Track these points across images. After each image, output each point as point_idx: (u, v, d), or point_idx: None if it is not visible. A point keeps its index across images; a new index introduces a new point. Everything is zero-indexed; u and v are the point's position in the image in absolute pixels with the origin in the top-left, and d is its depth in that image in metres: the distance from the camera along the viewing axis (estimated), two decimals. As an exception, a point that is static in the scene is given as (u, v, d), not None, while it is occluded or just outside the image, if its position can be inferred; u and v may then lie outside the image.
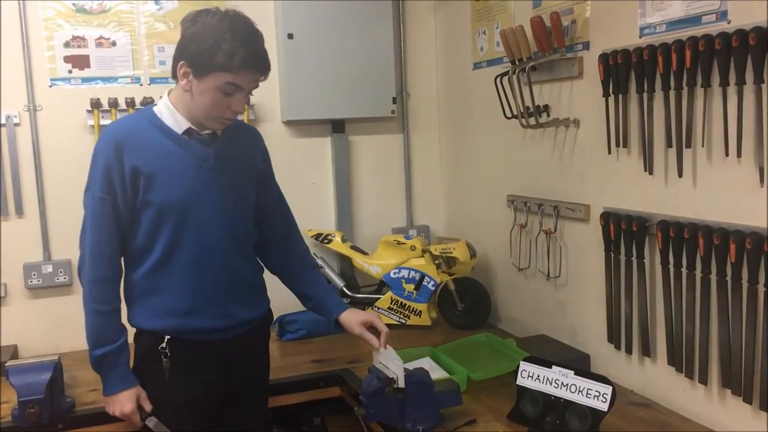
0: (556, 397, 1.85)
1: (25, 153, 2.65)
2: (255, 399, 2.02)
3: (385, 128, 3.21)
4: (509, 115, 2.48)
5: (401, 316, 2.84)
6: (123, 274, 1.86)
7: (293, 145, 3.04)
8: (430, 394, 1.90)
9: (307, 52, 2.95)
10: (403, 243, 2.88)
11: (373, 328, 1.97)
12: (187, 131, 1.81)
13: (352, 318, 1.98)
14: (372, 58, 3.07)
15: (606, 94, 2.10)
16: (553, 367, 1.88)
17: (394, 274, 2.85)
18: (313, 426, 2.64)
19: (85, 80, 2.72)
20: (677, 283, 1.92)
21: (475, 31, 2.89)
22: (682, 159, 1.89)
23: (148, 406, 1.81)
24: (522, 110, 2.38)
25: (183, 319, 1.82)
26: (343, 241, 2.97)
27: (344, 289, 2.93)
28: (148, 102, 2.72)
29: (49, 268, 2.69)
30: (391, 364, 1.90)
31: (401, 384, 1.86)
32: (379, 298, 2.87)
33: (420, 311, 2.83)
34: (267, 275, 2.05)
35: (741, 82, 1.68)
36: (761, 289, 1.69)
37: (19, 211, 2.66)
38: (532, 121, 2.39)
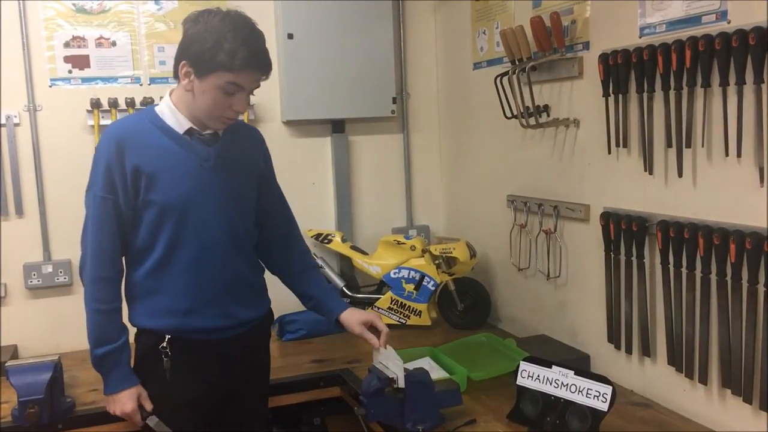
0: (556, 397, 1.85)
1: (25, 153, 2.65)
2: (255, 399, 2.03)
3: (385, 128, 3.21)
4: (509, 115, 2.48)
5: (401, 316, 2.84)
6: (124, 274, 1.86)
7: (293, 145, 3.04)
8: (430, 394, 1.90)
9: (307, 52, 2.95)
10: (403, 243, 2.88)
11: (373, 328, 1.97)
12: (189, 131, 1.81)
13: (352, 317, 1.98)
14: (372, 58, 3.07)
15: (606, 94, 2.10)
16: (553, 367, 1.88)
17: (394, 274, 2.85)
18: (313, 426, 2.64)
19: (85, 80, 2.72)
20: (677, 283, 1.92)
21: (475, 31, 2.89)
22: (682, 159, 1.89)
23: (148, 406, 1.81)
24: (522, 110, 2.38)
25: (183, 319, 1.82)
26: (343, 241, 2.97)
27: (344, 289, 2.93)
28: (148, 102, 2.72)
29: (49, 268, 2.69)
30: (391, 364, 1.90)
31: (401, 384, 1.86)
32: (379, 298, 2.87)
33: (420, 311, 2.83)
34: (267, 275, 2.05)
35: (741, 82, 1.68)
36: (761, 289, 1.69)
37: (19, 211, 2.66)
38: (532, 121, 2.39)
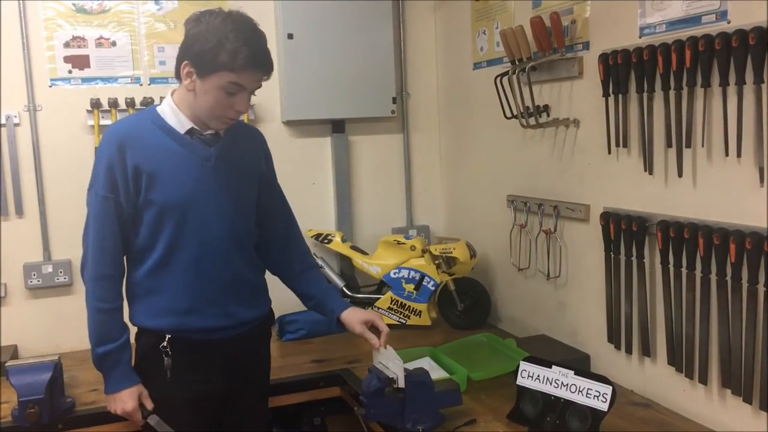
0: (556, 397, 1.85)
1: (25, 153, 2.66)
2: (255, 399, 2.03)
3: (385, 128, 3.21)
4: (509, 115, 2.48)
5: (401, 316, 2.84)
6: (125, 273, 1.87)
7: (293, 145, 3.04)
8: (430, 394, 1.90)
9: (307, 52, 2.95)
10: (403, 243, 2.88)
11: (374, 328, 1.97)
12: (190, 131, 1.82)
13: (353, 317, 1.98)
14: (372, 58, 3.07)
15: (606, 94, 2.10)
16: (553, 367, 1.88)
17: (394, 274, 2.85)
18: (313, 426, 2.64)
19: (85, 80, 2.72)
20: (677, 283, 1.92)
21: (475, 31, 2.89)
22: (682, 159, 1.89)
23: (149, 405, 1.81)
24: (522, 110, 2.38)
25: (183, 318, 1.83)
26: (343, 241, 2.97)
27: (344, 289, 2.93)
28: (148, 102, 2.73)
29: (49, 268, 2.69)
30: (391, 364, 1.90)
31: (401, 384, 1.86)
32: (379, 298, 2.87)
33: (420, 311, 2.83)
34: (268, 275, 2.05)
35: (741, 82, 1.68)
36: (761, 289, 1.69)
37: (19, 211, 2.66)
38: (532, 121, 2.39)
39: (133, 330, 1.87)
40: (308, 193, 3.06)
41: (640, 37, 1.99)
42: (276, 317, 2.16)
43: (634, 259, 2.06)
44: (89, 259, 1.80)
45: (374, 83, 3.08)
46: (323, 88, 2.99)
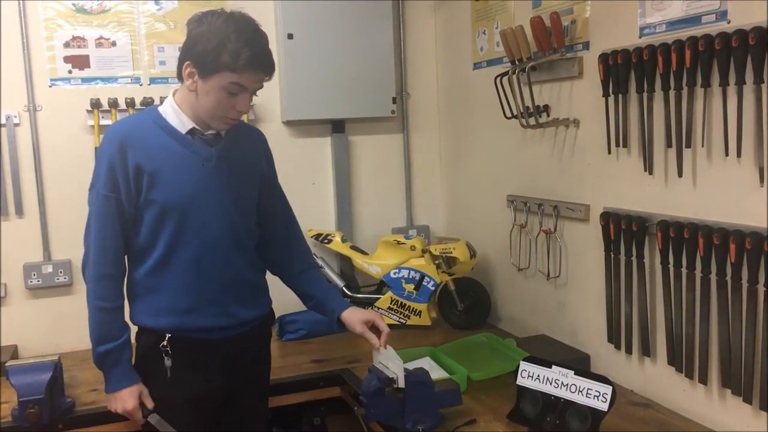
0: (556, 397, 1.85)
1: (25, 153, 2.65)
2: (255, 398, 2.03)
3: (385, 128, 3.21)
4: (509, 115, 2.48)
5: (401, 316, 2.84)
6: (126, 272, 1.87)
7: (293, 145, 3.04)
8: (430, 394, 1.90)
9: (307, 52, 2.95)
10: (403, 243, 2.88)
11: (374, 328, 1.97)
12: (191, 131, 1.82)
13: (354, 316, 1.99)
14: (372, 58, 3.07)
15: (606, 94, 2.10)
16: (553, 367, 1.88)
17: (394, 274, 2.85)
18: (313, 426, 2.64)
19: (85, 80, 2.72)
20: (677, 283, 1.92)
21: (475, 31, 2.89)
22: (682, 159, 1.89)
23: (150, 403, 1.82)
24: (522, 110, 2.38)
25: (184, 318, 1.83)
26: (343, 241, 2.97)
27: (344, 289, 2.93)
28: (148, 102, 2.73)
29: (49, 268, 2.69)
30: (391, 364, 1.90)
31: (401, 384, 1.86)
32: (379, 298, 2.87)
33: (420, 311, 2.83)
34: (268, 275, 2.05)
35: (741, 82, 1.68)
36: (761, 289, 1.69)
37: (19, 211, 2.66)
38: (532, 121, 2.39)
39: (133, 329, 1.88)
40: (308, 193, 3.06)
41: (640, 37, 1.99)
42: (276, 317, 2.16)
43: (634, 259, 2.06)
44: (90, 258, 1.80)
45: (374, 83, 3.08)
46: (323, 88, 2.99)
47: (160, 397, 1.83)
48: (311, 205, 3.04)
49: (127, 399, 1.79)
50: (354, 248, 2.96)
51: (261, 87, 1.79)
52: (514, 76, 2.37)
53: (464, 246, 2.80)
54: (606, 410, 1.75)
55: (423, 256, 2.85)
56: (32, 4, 2.63)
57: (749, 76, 1.67)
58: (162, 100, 2.69)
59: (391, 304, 2.84)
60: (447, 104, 3.21)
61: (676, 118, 1.88)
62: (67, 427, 2.05)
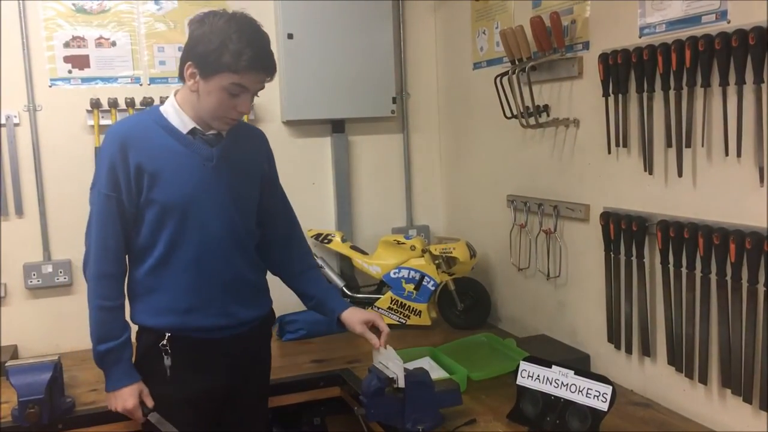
0: (556, 396, 1.85)
1: (25, 153, 2.65)
2: (255, 399, 2.03)
3: (385, 128, 3.21)
4: (509, 115, 2.48)
5: (401, 316, 2.84)
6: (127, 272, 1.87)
7: (293, 145, 3.04)
8: (430, 394, 1.90)
9: (307, 52, 2.95)
10: (403, 243, 2.88)
11: (374, 328, 1.97)
12: (192, 131, 1.82)
13: (354, 317, 1.99)
14: (372, 58, 3.07)
15: (606, 94, 2.10)
16: (553, 366, 1.88)
17: (394, 274, 2.85)
18: (313, 426, 2.64)
19: (84, 80, 2.72)
20: (677, 282, 1.92)
21: (475, 31, 2.89)
22: (681, 159, 1.89)
23: (150, 402, 1.82)
24: (522, 110, 2.38)
25: (184, 317, 1.83)
26: (343, 241, 2.97)
27: (344, 289, 2.93)
28: (148, 102, 2.73)
29: (49, 268, 2.69)
30: (391, 364, 1.90)
31: (401, 384, 1.86)
32: (379, 298, 2.87)
33: (420, 311, 2.83)
34: (268, 275, 2.05)
35: (741, 82, 1.68)
36: (761, 288, 1.69)
37: (19, 211, 2.66)
38: (531, 121, 2.39)
39: (134, 329, 1.88)
40: (308, 193, 3.06)
41: (640, 37, 1.99)
42: (276, 317, 2.16)
43: (634, 259, 2.06)
44: (91, 257, 1.81)
45: (374, 83, 3.08)
46: (323, 88, 2.99)
47: (160, 396, 1.83)
48: (311, 205, 3.04)
49: (127, 398, 1.79)
50: (354, 248, 2.96)
51: (262, 88, 1.80)
52: (514, 76, 2.37)
53: (464, 246, 2.80)
54: (606, 410, 1.75)
55: (423, 256, 2.85)
56: (32, 4, 2.63)
57: (749, 75, 1.67)
58: (162, 100, 2.71)
59: (391, 304, 2.84)
60: (447, 104, 3.21)
61: (676, 118, 1.88)
62: (67, 427, 2.05)
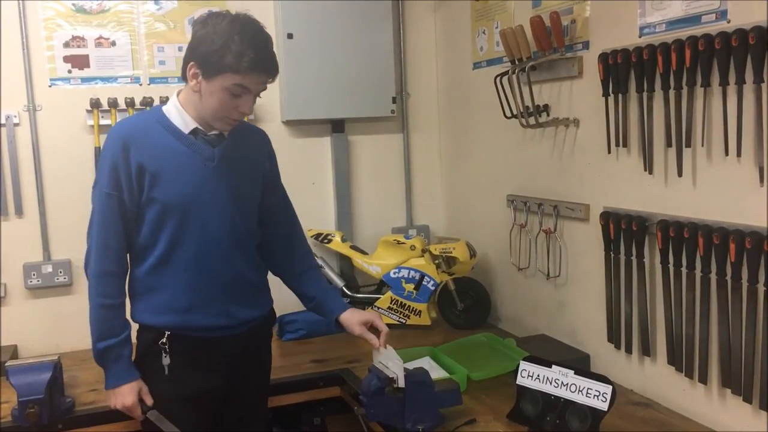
0: (556, 396, 1.85)
1: (25, 153, 2.65)
2: (255, 398, 2.03)
3: (385, 128, 3.21)
4: (509, 114, 2.48)
5: (401, 315, 2.84)
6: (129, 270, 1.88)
7: (293, 145, 3.04)
8: (430, 393, 1.90)
9: (307, 52, 2.95)
10: (403, 243, 2.88)
11: (373, 328, 1.97)
12: (194, 131, 1.83)
13: (352, 318, 1.99)
14: (372, 58, 3.07)
15: (606, 94, 2.10)
16: (553, 366, 1.88)
17: (394, 273, 2.85)
18: (313, 426, 2.64)
19: (84, 80, 2.72)
20: (677, 282, 1.92)
21: (475, 30, 2.89)
22: (681, 158, 1.89)
23: (149, 400, 1.82)
24: (522, 110, 2.38)
25: (183, 316, 1.83)
26: (343, 240, 2.97)
27: (344, 288, 2.93)
28: (148, 102, 2.73)
29: (49, 268, 2.68)
30: (391, 363, 1.90)
31: (401, 384, 1.86)
32: (379, 297, 2.87)
33: (420, 311, 2.83)
34: (268, 275, 2.05)
35: (741, 81, 1.68)
36: (761, 288, 1.69)
37: (19, 211, 2.66)
38: (531, 120, 2.39)
39: (134, 327, 1.88)
40: (308, 193, 3.06)
41: (639, 37, 1.99)
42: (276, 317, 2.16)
43: (634, 258, 2.06)
44: (92, 255, 1.81)
45: (374, 83, 3.08)
46: (323, 88, 2.99)
47: (160, 395, 1.83)
48: (311, 205, 3.04)
49: (126, 395, 1.80)
50: (354, 248, 2.96)
51: (264, 89, 1.81)
52: (514, 76, 2.37)
53: (464, 246, 2.80)
54: (606, 410, 1.75)
55: (423, 256, 2.85)
56: (32, 4, 2.63)
57: (749, 75, 1.67)
58: (162, 99, 2.71)
59: (391, 303, 2.84)
60: (447, 104, 3.21)
61: (675, 118, 1.88)
62: (66, 427, 2.06)
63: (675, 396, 1.99)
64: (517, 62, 2.40)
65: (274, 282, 2.07)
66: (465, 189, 3.11)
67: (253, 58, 1.69)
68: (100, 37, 2.72)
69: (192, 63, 1.75)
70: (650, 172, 2.00)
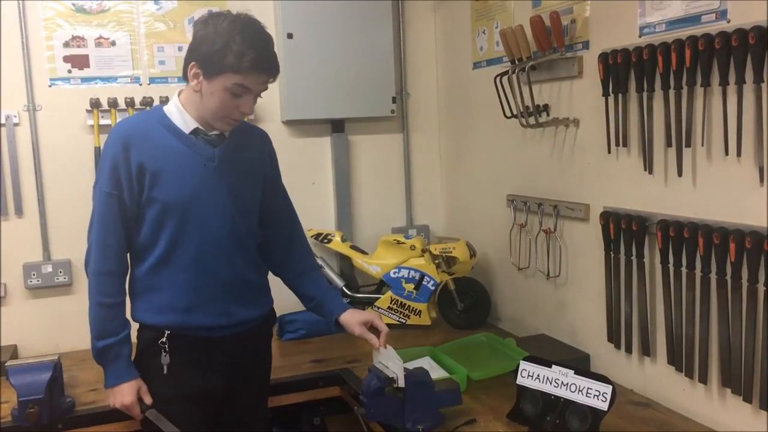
0: (556, 396, 1.85)
1: (24, 153, 2.65)
2: (255, 398, 2.03)
3: (385, 128, 3.21)
4: (509, 114, 2.48)
5: (401, 315, 2.84)
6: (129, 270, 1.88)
7: (293, 145, 3.04)
8: (430, 393, 1.90)
9: (307, 52, 2.95)
10: (403, 243, 2.88)
11: (373, 328, 1.97)
12: (195, 131, 1.83)
13: (352, 318, 1.99)
14: (372, 58, 3.07)
15: (606, 94, 2.10)
16: (553, 366, 1.88)
17: (394, 273, 2.85)
18: (313, 426, 2.64)
19: (84, 80, 2.72)
20: (677, 282, 1.92)
21: (475, 30, 2.89)
22: (681, 158, 1.89)
23: (148, 399, 1.82)
24: (522, 110, 2.38)
25: (183, 316, 1.83)
26: (343, 240, 2.97)
27: (344, 288, 2.93)
28: (148, 102, 2.73)
29: (49, 268, 2.68)
30: (391, 363, 1.90)
31: (401, 384, 1.86)
32: (379, 297, 2.87)
33: (420, 311, 2.83)
34: (269, 275, 2.05)
35: (741, 81, 1.68)
36: (761, 288, 1.69)
37: (19, 211, 2.66)
38: (531, 120, 2.39)
39: (134, 326, 1.88)
40: (308, 193, 3.06)
41: (639, 37, 1.99)
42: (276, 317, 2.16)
43: (634, 258, 2.06)
44: (92, 254, 1.82)
45: (374, 83, 3.08)
46: (323, 88, 2.99)
47: (159, 394, 1.83)
48: (311, 205, 3.04)
49: (125, 394, 1.80)
50: (354, 248, 2.96)
51: (265, 89, 1.81)
52: (514, 76, 2.37)
53: (464, 246, 2.80)
54: (606, 410, 1.75)
55: (423, 256, 2.85)
56: (32, 4, 2.63)
57: (749, 75, 1.67)
58: (161, 99, 2.71)
59: (391, 303, 2.84)
60: (447, 104, 3.21)
61: (675, 118, 1.88)
62: (66, 427, 2.05)
63: (675, 396, 1.99)
64: (517, 62, 2.40)
65: (274, 282, 2.07)
66: (465, 189, 3.11)
67: (254, 58, 1.70)
68: (100, 37, 2.72)
69: (193, 63, 1.75)
70: (650, 172, 2.00)
